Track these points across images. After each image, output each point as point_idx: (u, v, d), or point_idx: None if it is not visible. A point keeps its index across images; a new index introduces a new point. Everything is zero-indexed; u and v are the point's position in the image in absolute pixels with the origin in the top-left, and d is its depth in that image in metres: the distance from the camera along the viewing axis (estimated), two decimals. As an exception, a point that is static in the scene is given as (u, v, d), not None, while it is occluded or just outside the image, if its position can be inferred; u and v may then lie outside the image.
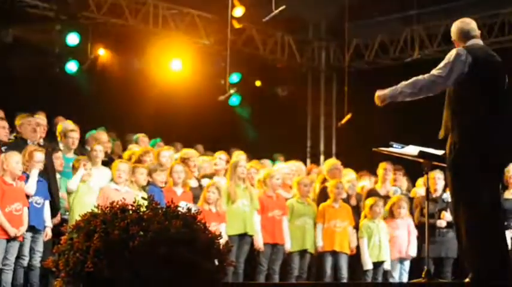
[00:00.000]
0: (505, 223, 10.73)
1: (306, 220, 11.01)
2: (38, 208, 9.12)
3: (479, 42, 6.71)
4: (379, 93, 6.75)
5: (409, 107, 14.26)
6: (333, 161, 12.25)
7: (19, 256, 8.94)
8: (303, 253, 10.98)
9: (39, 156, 9.12)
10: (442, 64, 6.52)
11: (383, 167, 12.03)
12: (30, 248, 9.04)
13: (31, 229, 9.03)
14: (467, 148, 6.38)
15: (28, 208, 8.97)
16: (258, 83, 16.60)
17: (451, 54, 6.51)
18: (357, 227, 11.33)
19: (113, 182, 9.64)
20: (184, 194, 10.15)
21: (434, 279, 7.31)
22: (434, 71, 6.53)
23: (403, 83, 6.62)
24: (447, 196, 11.32)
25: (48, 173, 9.41)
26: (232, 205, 10.40)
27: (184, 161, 10.73)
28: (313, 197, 11.48)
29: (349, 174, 12.31)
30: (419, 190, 11.90)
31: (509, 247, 10.34)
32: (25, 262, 9.00)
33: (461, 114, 6.44)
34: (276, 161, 13.39)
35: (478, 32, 6.75)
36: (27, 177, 9.04)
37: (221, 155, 11.12)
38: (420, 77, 6.56)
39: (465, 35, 6.70)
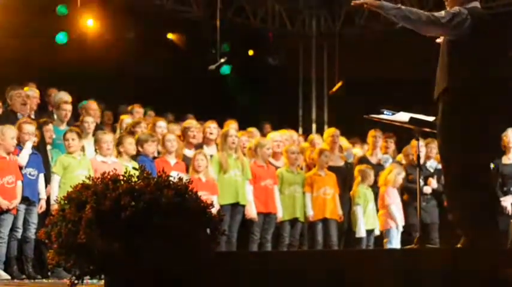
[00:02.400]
0: (504, 189, 10.80)
1: (295, 189, 11.04)
2: (32, 179, 9.16)
3: (479, 5, 6.56)
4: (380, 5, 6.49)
5: (401, 74, 14.35)
6: (332, 129, 12.22)
7: (13, 228, 9.00)
8: (293, 221, 11.02)
9: (29, 128, 9.12)
10: (444, 12, 6.30)
11: (372, 134, 12.05)
12: (24, 220, 9.08)
13: (25, 200, 9.05)
14: (459, 112, 6.34)
15: (22, 180, 8.99)
16: (251, 53, 16.55)
17: (454, 11, 6.37)
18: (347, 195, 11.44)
19: (99, 154, 9.62)
20: (177, 164, 10.15)
21: (426, 245, 7.34)
22: (437, 14, 6.29)
23: (406, 8, 6.34)
24: (430, 164, 11.41)
25: (39, 148, 9.42)
26: (224, 175, 10.40)
27: (184, 130, 10.74)
28: (302, 165, 11.52)
29: (341, 142, 12.33)
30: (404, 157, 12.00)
31: (510, 212, 10.50)
32: (19, 234, 9.04)
33: (454, 78, 6.37)
34: (263, 129, 13.36)
35: None
36: (19, 149, 9.06)
37: (213, 125, 11.06)
38: (423, 13, 6.29)
39: None
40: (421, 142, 11.24)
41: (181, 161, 10.32)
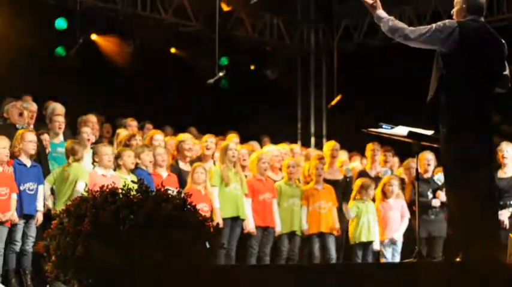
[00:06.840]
0: (500, 203, 10.78)
1: (294, 202, 11.03)
2: (32, 195, 9.07)
3: (481, 19, 6.56)
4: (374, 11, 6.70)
5: (399, 88, 14.38)
6: (332, 143, 12.21)
7: (11, 242, 8.94)
8: (291, 235, 11.01)
9: (30, 136, 9.07)
10: (424, 28, 6.48)
11: (370, 148, 12.04)
12: (23, 234, 9.02)
13: (24, 215, 9.00)
14: (458, 131, 6.36)
15: (17, 193, 8.92)
16: (252, 67, 16.57)
17: (439, 24, 6.45)
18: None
19: (99, 167, 9.58)
20: (169, 177, 10.13)
21: (425, 259, 7.32)
22: (415, 28, 6.53)
23: (392, 20, 6.58)
24: (438, 177, 11.38)
25: (40, 158, 9.38)
26: (226, 188, 10.39)
27: (180, 144, 10.72)
28: (302, 179, 11.50)
29: (341, 156, 12.32)
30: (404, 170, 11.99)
31: (507, 226, 10.48)
32: (17, 248, 8.98)
33: (450, 92, 6.39)
34: (261, 143, 13.35)
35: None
36: (18, 163, 9.00)
37: (210, 139, 11.03)
38: (401, 26, 6.54)
39: (475, 8, 6.54)
40: (430, 155, 11.26)
41: (172, 173, 10.31)
